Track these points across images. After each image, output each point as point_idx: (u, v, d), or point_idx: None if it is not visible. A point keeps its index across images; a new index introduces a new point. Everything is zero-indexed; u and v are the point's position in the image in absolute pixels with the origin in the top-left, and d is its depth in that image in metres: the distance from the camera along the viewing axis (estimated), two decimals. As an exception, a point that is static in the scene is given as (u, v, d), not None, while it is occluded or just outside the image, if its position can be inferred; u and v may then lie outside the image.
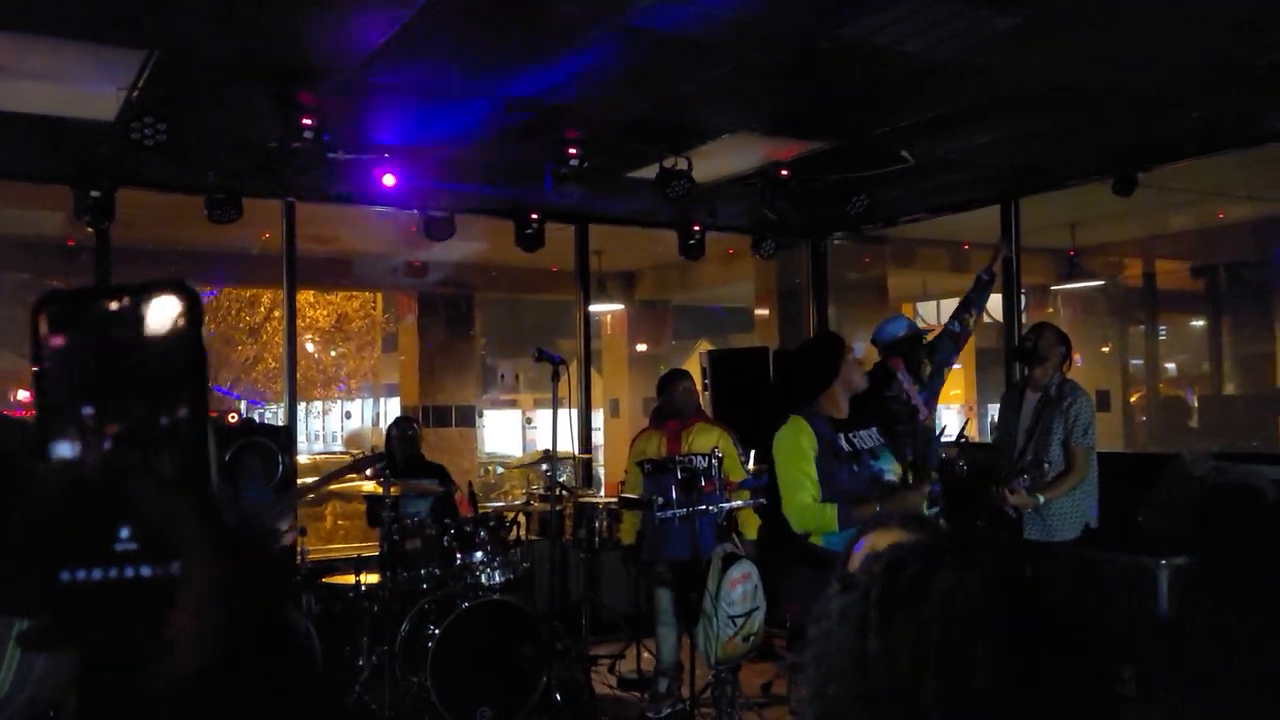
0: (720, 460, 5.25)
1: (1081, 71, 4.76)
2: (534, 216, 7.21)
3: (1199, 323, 12.97)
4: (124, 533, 0.57)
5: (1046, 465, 4.88)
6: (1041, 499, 4.82)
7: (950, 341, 5.09)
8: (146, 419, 0.57)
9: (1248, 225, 9.12)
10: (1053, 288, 10.86)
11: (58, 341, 0.57)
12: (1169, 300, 12.36)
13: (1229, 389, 11.58)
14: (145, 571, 0.57)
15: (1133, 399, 12.21)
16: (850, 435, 3.92)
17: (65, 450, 0.56)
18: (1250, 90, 5.07)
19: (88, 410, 0.57)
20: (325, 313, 19.60)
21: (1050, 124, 5.61)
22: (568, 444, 7.11)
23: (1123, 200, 6.49)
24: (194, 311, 0.58)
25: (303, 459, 14.55)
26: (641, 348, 14.28)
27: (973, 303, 5.19)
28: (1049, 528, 4.96)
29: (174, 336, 0.58)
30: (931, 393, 5.04)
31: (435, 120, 5.35)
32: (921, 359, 4.99)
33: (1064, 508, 4.94)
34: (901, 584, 0.82)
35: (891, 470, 3.89)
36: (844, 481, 3.75)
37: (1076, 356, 11.43)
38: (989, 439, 7.81)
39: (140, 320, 0.57)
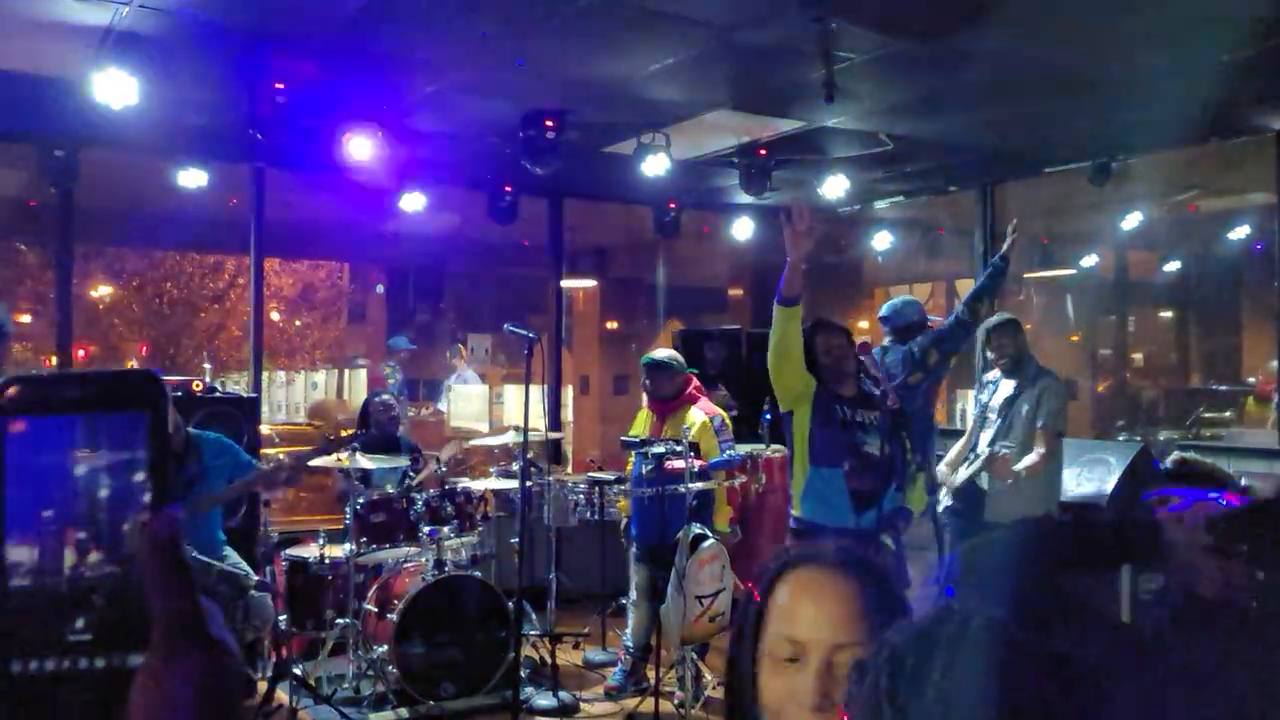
0: (695, 444, 5.24)
1: (1060, 59, 4.75)
2: (508, 189, 7.12)
3: (1167, 314, 13.12)
4: (79, 623, 0.55)
5: (1016, 448, 4.95)
6: (1023, 472, 4.90)
7: (961, 330, 5.12)
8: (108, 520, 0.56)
9: (1219, 218, 9.21)
10: (1025, 275, 10.93)
11: (18, 429, 0.56)
12: (1138, 291, 12.48)
13: (1195, 380, 11.74)
14: (98, 663, 0.55)
15: (1100, 388, 12.34)
16: (850, 408, 4.14)
17: (25, 553, 0.55)
18: (1226, 84, 5.08)
19: (48, 513, 0.56)
20: (290, 281, 19.33)
21: (1028, 111, 5.61)
22: (537, 420, 7.05)
23: (1097, 190, 6.52)
24: (161, 404, 0.57)
25: (264, 429, 14.37)
26: (612, 325, 14.23)
27: (986, 291, 5.21)
28: (1013, 511, 5.01)
29: (138, 432, 0.57)
30: (935, 380, 5.07)
31: (411, 89, 5.25)
32: (927, 346, 5.00)
33: (1030, 493, 4.99)
34: (904, 675, 0.80)
35: (874, 446, 4.10)
36: (819, 439, 4.04)
37: (1045, 344, 11.53)
38: (958, 426, 7.85)
39: (103, 411, 0.57)
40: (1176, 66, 4.83)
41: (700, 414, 5.60)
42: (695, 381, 5.76)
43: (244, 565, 4.82)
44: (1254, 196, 7.84)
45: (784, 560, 1.34)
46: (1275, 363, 9.41)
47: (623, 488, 5.42)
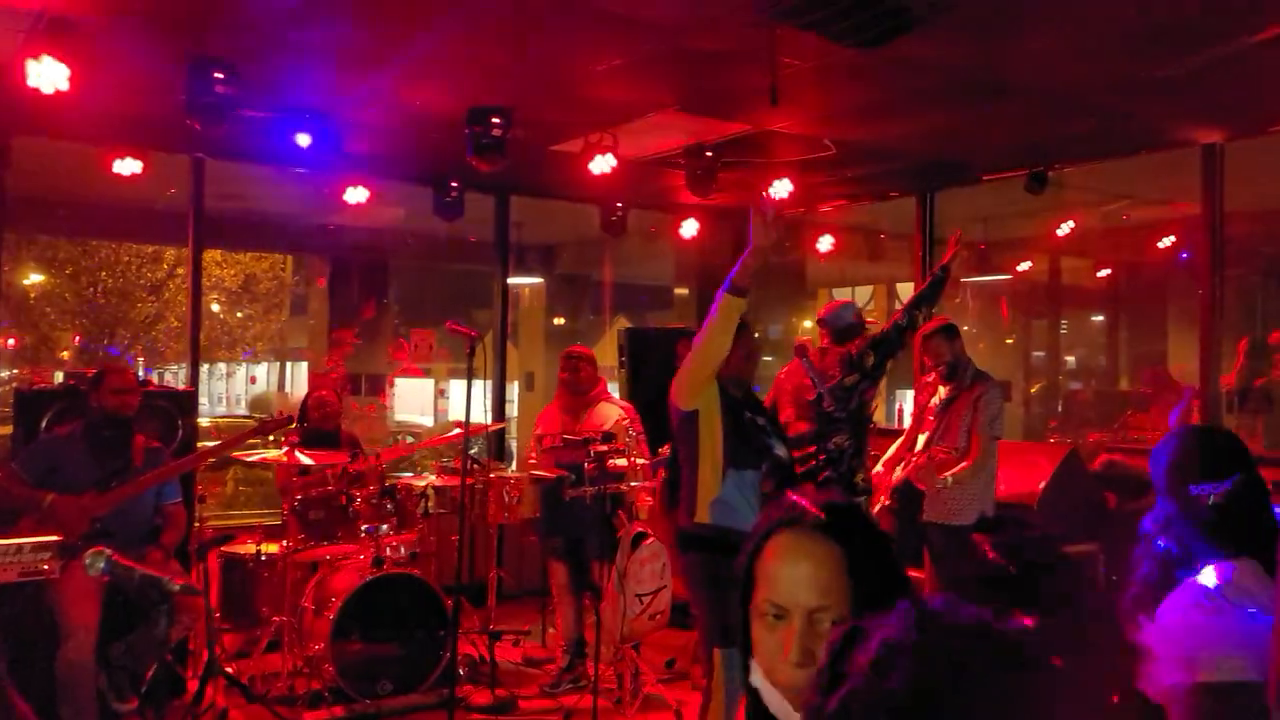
0: (632, 439, 5.28)
1: (998, 70, 4.85)
2: (454, 185, 7.08)
3: (1098, 318, 13.45)
4: None
5: (954, 451, 5.05)
6: (950, 479, 4.98)
7: (899, 335, 5.18)
8: None
9: (1148, 227, 9.47)
10: (963, 280, 11.13)
11: None
12: (1071, 296, 12.78)
13: (1123, 384, 12.05)
14: None
15: (1033, 390, 12.62)
16: (750, 411, 4.09)
17: None
18: (1157, 97, 5.24)
19: None
20: (232, 272, 19.00)
21: (968, 119, 5.72)
22: (482, 417, 7.03)
23: (1033, 197, 6.67)
24: None
25: (204, 422, 14.16)
26: (559, 322, 14.22)
27: (926, 299, 5.29)
28: (948, 511, 5.12)
29: None
30: (872, 383, 5.14)
31: (355, 81, 5.21)
32: (865, 350, 5.07)
33: (965, 494, 5.10)
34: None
35: (780, 449, 4.08)
36: (734, 441, 3.91)
37: (981, 346, 11.75)
38: (895, 426, 7.99)
39: None
40: (1110, 80, 4.97)
41: (615, 409, 5.72)
42: (603, 379, 5.97)
43: (174, 566, 4.75)
44: (1181, 207, 8.08)
45: (769, 525, 1.38)
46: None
47: (581, 489, 5.43)
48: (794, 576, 1.33)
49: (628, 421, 5.63)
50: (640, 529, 5.22)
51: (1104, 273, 12.10)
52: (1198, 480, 2.30)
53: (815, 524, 1.35)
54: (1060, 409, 12.21)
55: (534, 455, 5.83)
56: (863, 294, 13.82)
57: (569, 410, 5.77)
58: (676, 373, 3.97)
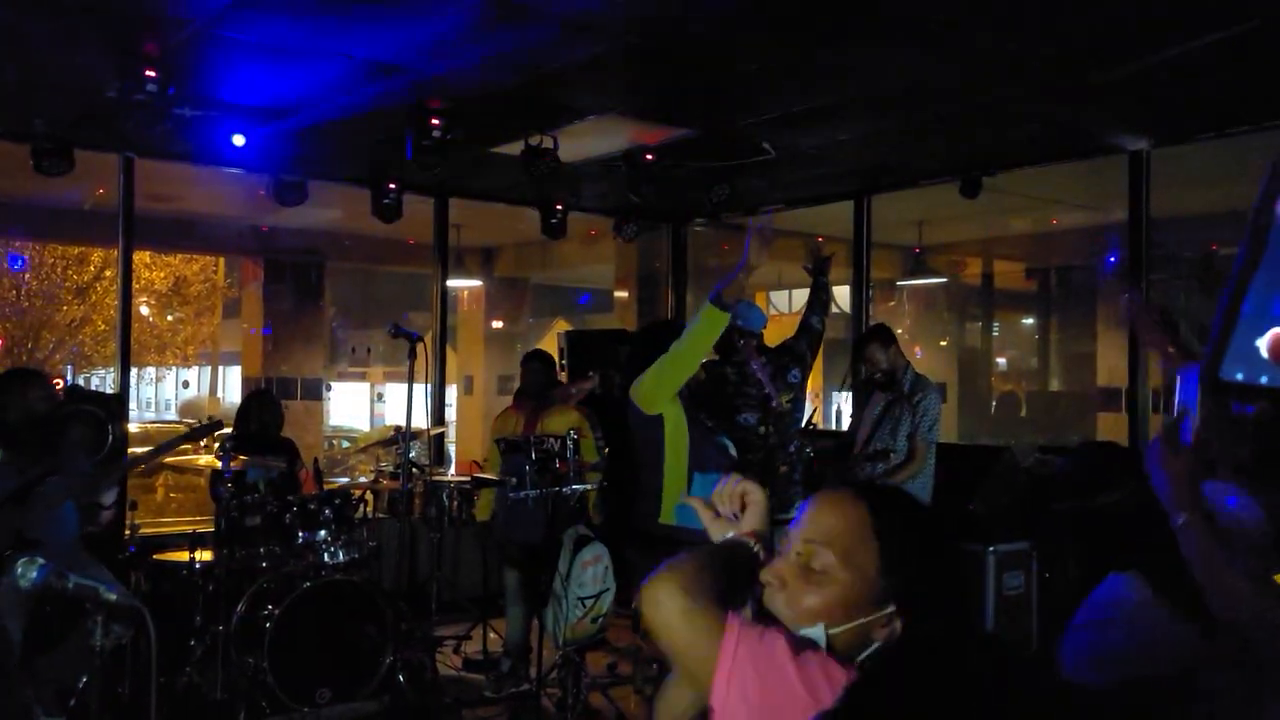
0: (576, 442, 5.25)
1: (935, 76, 4.94)
2: (392, 187, 7.01)
3: (1030, 321, 13.77)
4: None
5: (893, 455, 5.11)
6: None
7: (819, 341, 5.22)
8: None
9: (1078, 232, 9.71)
10: (899, 283, 11.31)
11: None
12: (1004, 299, 13.06)
13: (1054, 385, 12.34)
14: None
15: (967, 391, 12.88)
16: (707, 415, 4.10)
17: None
18: (1087, 106, 5.38)
19: None
20: (162, 274, 18.56)
21: (904, 125, 5.82)
22: (420, 420, 6.98)
23: (967, 202, 6.80)
24: None
25: (134, 428, 13.83)
26: (498, 325, 14.15)
27: (822, 303, 5.36)
28: None
29: None
30: (804, 385, 5.17)
31: (291, 80, 5.12)
32: (803, 351, 5.09)
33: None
34: None
35: (735, 450, 4.09)
36: (700, 446, 3.92)
37: (916, 349, 11.97)
38: (834, 427, 8.10)
39: None
40: (1042, 88, 5.09)
41: (573, 411, 5.71)
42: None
43: (106, 574, 4.63)
44: (1109, 212, 8.31)
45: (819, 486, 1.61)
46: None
47: (523, 493, 5.38)
48: (809, 515, 1.50)
49: (585, 424, 5.61)
50: (584, 532, 5.21)
51: (1035, 276, 12.40)
52: (1089, 494, 2.39)
53: (853, 485, 1.55)
54: (994, 410, 12.47)
55: (487, 457, 5.80)
56: (800, 296, 13.98)
57: (524, 413, 5.73)
58: (642, 375, 3.89)
